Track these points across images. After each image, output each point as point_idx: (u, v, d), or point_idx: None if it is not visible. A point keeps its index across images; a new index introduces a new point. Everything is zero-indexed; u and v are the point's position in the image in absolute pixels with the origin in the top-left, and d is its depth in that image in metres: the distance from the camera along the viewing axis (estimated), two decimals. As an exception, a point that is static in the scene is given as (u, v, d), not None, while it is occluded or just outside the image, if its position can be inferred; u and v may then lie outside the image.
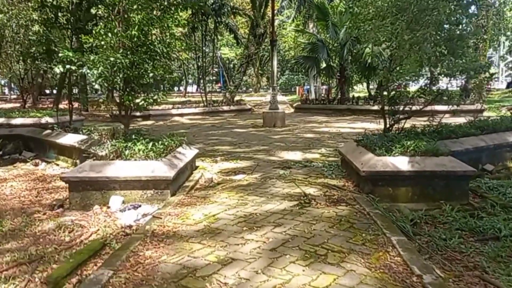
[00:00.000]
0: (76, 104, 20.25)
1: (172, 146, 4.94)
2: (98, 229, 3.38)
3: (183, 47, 5.74)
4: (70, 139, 5.86)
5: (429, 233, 3.38)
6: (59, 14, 6.36)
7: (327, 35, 15.47)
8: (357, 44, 14.28)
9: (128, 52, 4.80)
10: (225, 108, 17.10)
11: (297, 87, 39.44)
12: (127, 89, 4.98)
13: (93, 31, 4.76)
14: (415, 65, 5.57)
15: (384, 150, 4.37)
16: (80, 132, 6.14)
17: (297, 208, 3.62)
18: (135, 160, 4.17)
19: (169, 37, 5.08)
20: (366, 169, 4.11)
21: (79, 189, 3.94)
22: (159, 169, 4.02)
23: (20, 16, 13.58)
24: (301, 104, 17.89)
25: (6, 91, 41.77)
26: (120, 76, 4.74)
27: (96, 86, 5.00)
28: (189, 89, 49.30)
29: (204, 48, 16.86)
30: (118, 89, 4.99)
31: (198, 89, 27.89)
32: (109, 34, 4.66)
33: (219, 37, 45.37)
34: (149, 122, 14.12)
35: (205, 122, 13.72)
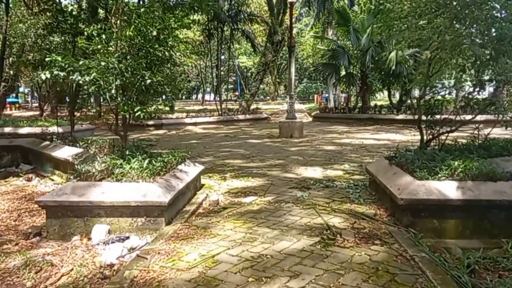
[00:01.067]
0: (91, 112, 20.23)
1: (173, 163, 4.29)
2: (72, 269, 2.74)
3: (188, 51, 5.13)
4: (65, 152, 5.33)
5: (493, 285, 2.56)
6: (60, 18, 5.92)
7: (348, 41, 14.69)
8: (380, 50, 13.43)
9: (126, 56, 4.23)
10: (241, 117, 16.51)
11: (315, 95, 38.58)
12: (124, 98, 4.40)
13: (85, 33, 4.22)
14: (457, 70, 4.76)
15: (426, 172, 3.57)
16: (78, 144, 5.62)
17: (319, 247, 2.87)
18: (126, 181, 3.54)
19: (172, 40, 4.49)
20: (405, 197, 3.31)
21: (58, 216, 3.33)
22: (152, 192, 3.37)
23: (38, 26, 13.58)
24: (320, 113, 17.07)
25: (30, 99, 43.03)
26: (116, 83, 4.16)
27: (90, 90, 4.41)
28: (207, 97, 49.25)
29: (220, 55, 16.40)
30: (113, 97, 4.41)
31: (215, 98, 27.56)
32: (103, 36, 4.10)
33: (237, 46, 45.53)
34: (161, 132, 13.68)
35: (218, 131, 13.14)
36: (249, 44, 22.22)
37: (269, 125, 15.75)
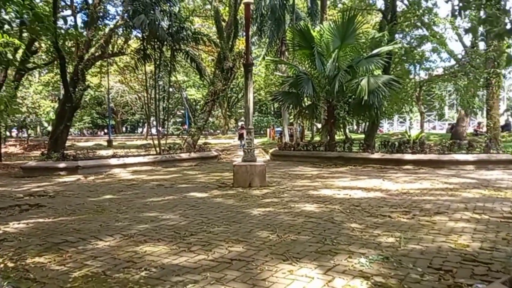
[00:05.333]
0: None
1: None
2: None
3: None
4: None
5: None
6: None
7: (310, 68, 12.70)
8: (350, 77, 11.55)
9: None
10: (184, 156, 13.39)
11: (268, 129, 36.85)
12: None
13: None
14: None
15: None
16: None
17: None
18: None
19: None
20: None
21: None
22: None
23: None
24: (279, 150, 14.61)
25: None
26: None
27: None
28: (153, 131, 45.36)
29: (157, 79, 13.42)
30: None
31: (163, 130, 24.19)
32: None
33: (185, 78, 42.90)
34: (73, 178, 10.04)
35: (152, 177, 9.88)
36: (198, 75, 19.64)
37: (220, 166, 12.83)
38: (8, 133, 42.40)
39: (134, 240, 3.99)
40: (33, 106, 33.20)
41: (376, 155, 11.28)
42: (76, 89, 14.43)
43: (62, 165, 11.07)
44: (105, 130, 55.73)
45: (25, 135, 40.62)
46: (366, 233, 4.16)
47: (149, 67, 16.37)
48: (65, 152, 13.04)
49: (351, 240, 3.88)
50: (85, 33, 14.81)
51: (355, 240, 3.89)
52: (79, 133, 59.18)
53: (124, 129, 66.72)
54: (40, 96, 34.28)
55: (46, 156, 11.46)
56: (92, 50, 14.68)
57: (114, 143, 31.82)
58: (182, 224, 4.66)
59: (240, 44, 20.61)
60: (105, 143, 31.63)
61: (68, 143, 32.03)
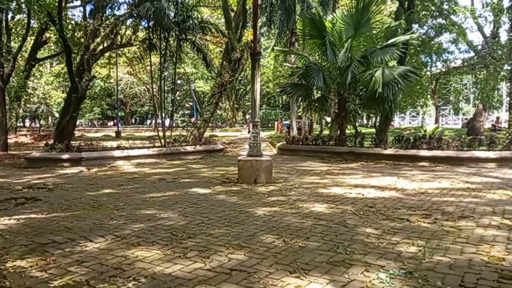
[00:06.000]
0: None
1: None
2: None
3: None
4: None
5: None
6: None
7: (321, 59, 12.13)
8: (364, 68, 10.99)
9: None
10: (189, 148, 13.06)
11: (276, 123, 36.33)
12: None
13: None
14: None
15: None
16: None
17: None
18: None
19: None
20: None
21: None
22: None
23: None
24: (286, 144, 14.15)
25: None
26: None
27: None
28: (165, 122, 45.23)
29: (163, 70, 13.03)
30: None
31: (170, 123, 23.94)
32: None
33: (194, 70, 42.46)
34: (76, 170, 9.81)
35: (155, 170, 9.56)
36: (206, 67, 19.17)
37: (225, 159, 12.46)
38: (21, 123, 42.86)
39: (127, 242, 3.63)
40: (44, 96, 33.33)
41: (389, 151, 10.74)
42: (82, 80, 14.16)
43: (65, 156, 10.84)
44: (115, 121, 56.11)
45: (38, 125, 40.96)
46: (384, 240, 3.72)
47: (156, 58, 16.02)
48: (70, 143, 12.84)
49: (367, 248, 3.45)
50: (91, 21, 14.48)
51: (371, 248, 3.46)
52: (89, 123, 59.62)
53: (133, 120, 66.92)
54: (51, 87, 34.38)
55: (50, 147, 11.24)
56: (98, 39, 14.34)
57: (122, 134, 31.82)
58: (180, 224, 4.29)
59: (249, 35, 20.04)
60: (114, 134, 31.63)
61: (77, 134, 32.19)
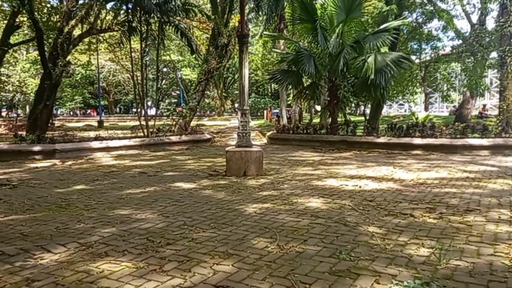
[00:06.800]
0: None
1: None
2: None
3: None
4: None
5: None
6: None
7: (314, 43, 11.55)
8: (356, 54, 10.50)
9: None
10: (174, 138, 12.41)
11: (265, 111, 35.75)
12: None
13: None
14: None
15: None
16: None
17: None
18: None
19: None
20: None
21: None
22: None
23: None
24: (277, 133, 13.66)
25: None
26: None
27: None
28: (150, 112, 44.29)
29: (145, 55, 12.22)
30: None
31: (157, 112, 23.10)
32: None
33: (180, 57, 41.17)
34: (48, 163, 9.06)
35: (136, 163, 8.92)
36: (191, 53, 18.31)
37: (213, 150, 11.88)
38: (-4, 113, 40.97)
39: (92, 252, 3.07)
40: (19, 85, 31.75)
41: (382, 139, 10.38)
42: (57, 66, 13.22)
43: (37, 148, 10.04)
44: (98, 110, 54.38)
45: (15, 115, 39.19)
46: (390, 240, 3.28)
47: (138, 44, 15.14)
48: (45, 133, 12.00)
49: (373, 252, 3.00)
50: (64, 2, 13.47)
51: (378, 252, 3.01)
52: (71, 113, 57.61)
53: (117, 109, 65.03)
54: (27, 74, 32.73)
55: (19, 138, 10.39)
56: (73, 22, 13.35)
57: (105, 124, 30.62)
58: (159, 227, 3.75)
59: (236, 20, 19.24)
60: (96, 124, 30.45)
61: (57, 124, 30.85)
